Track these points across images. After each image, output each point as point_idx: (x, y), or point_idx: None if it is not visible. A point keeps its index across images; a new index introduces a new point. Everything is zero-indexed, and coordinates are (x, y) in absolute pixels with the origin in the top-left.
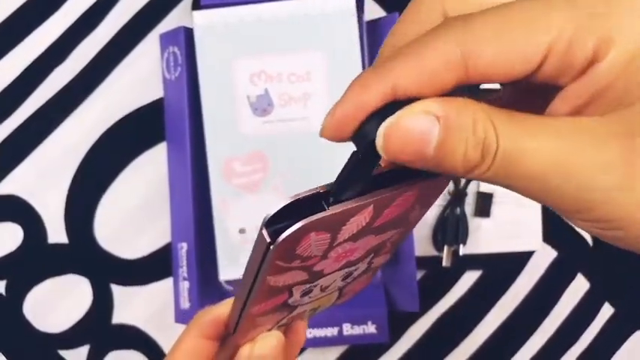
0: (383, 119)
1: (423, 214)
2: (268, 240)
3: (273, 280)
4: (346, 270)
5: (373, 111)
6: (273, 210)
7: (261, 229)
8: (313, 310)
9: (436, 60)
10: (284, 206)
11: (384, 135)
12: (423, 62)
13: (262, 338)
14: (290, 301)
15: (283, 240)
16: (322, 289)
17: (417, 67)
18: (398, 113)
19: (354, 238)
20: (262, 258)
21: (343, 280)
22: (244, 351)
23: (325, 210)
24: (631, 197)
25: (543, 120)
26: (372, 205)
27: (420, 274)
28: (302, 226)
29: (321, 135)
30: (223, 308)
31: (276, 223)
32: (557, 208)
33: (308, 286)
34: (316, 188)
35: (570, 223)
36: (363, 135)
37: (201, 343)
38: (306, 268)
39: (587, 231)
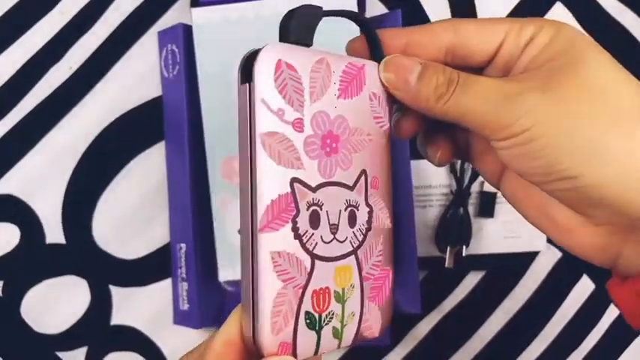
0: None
1: (387, 137)
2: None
3: (268, 145)
4: (345, 195)
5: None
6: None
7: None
8: (338, 301)
9: (440, 28)
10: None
11: (385, 61)
12: (433, 29)
13: None
14: (299, 223)
15: (261, 55)
16: (332, 229)
17: (428, 31)
18: (397, 54)
19: (324, 104)
20: (249, 107)
21: (350, 224)
22: None
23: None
24: (520, 109)
25: (483, 76)
26: (327, 57)
27: (422, 275)
28: (266, 48)
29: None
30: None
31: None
32: (491, 127)
33: (309, 196)
34: None
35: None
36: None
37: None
38: (293, 127)
39: (505, 155)
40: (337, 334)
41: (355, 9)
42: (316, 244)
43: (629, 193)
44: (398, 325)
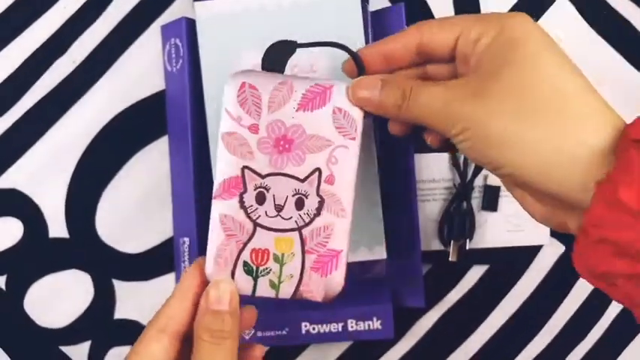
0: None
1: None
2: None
3: (226, 141)
4: (294, 185)
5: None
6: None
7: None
8: (277, 262)
9: (407, 33)
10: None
11: (352, 84)
12: (401, 36)
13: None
14: (245, 198)
15: (230, 80)
16: (276, 208)
17: (397, 39)
18: (362, 77)
19: (281, 115)
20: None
21: (297, 207)
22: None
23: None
24: (463, 106)
25: (431, 84)
26: (291, 80)
27: (425, 269)
28: (236, 74)
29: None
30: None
31: None
32: (440, 129)
33: (258, 180)
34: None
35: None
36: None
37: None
38: (249, 130)
39: (459, 148)
40: (274, 286)
41: (359, 4)
42: (259, 215)
43: (548, 177)
44: (402, 318)
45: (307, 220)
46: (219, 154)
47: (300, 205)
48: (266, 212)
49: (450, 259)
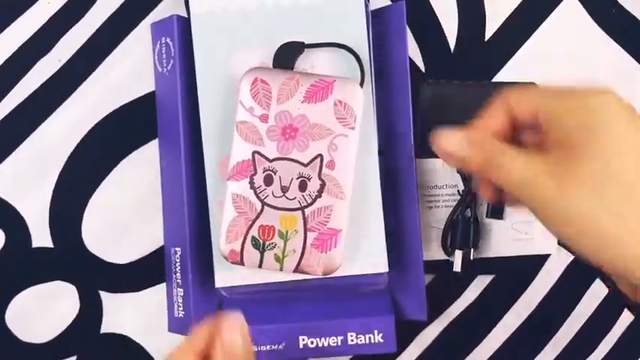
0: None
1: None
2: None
3: (240, 129)
4: (298, 169)
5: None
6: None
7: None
8: (281, 238)
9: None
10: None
11: (435, 135)
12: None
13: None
14: (255, 179)
15: (245, 75)
16: (282, 189)
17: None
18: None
19: (288, 106)
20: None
21: (301, 189)
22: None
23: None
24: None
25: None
26: (298, 75)
27: (427, 279)
28: (250, 70)
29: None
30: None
31: None
32: (519, 199)
33: (267, 164)
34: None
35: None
36: None
37: None
38: (259, 119)
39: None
40: (279, 260)
41: (362, 3)
42: (267, 195)
43: (625, 268)
44: (404, 331)
45: (309, 201)
46: (234, 140)
47: (303, 187)
48: (273, 192)
49: (454, 269)
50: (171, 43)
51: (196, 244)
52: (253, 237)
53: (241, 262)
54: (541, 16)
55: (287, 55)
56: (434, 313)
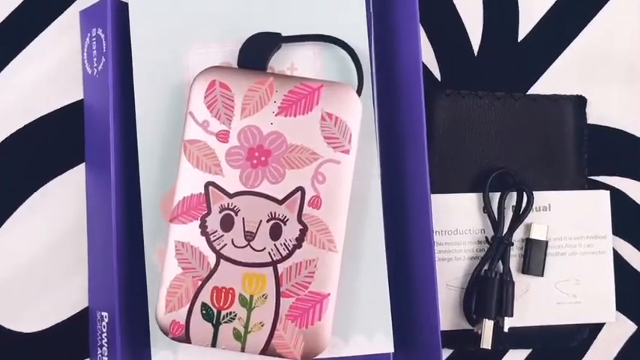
0: None
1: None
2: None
3: (189, 150)
4: (270, 207)
5: None
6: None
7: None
8: (244, 305)
9: None
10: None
11: None
12: None
13: None
14: (208, 222)
15: (198, 77)
16: (246, 236)
17: None
18: None
19: (257, 120)
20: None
21: (272, 236)
22: None
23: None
24: None
25: None
26: (271, 78)
27: (445, 355)
28: (205, 71)
29: None
30: None
31: None
32: None
33: (225, 200)
34: None
35: None
36: None
37: None
38: (217, 138)
39: None
40: (239, 337)
41: None
42: (225, 245)
43: None
44: None
45: (284, 254)
46: (180, 167)
47: (276, 233)
48: (233, 241)
49: (482, 345)
50: (103, 36)
51: (129, 309)
52: (204, 304)
53: (187, 339)
54: (590, 10)
55: (257, 52)
56: None
